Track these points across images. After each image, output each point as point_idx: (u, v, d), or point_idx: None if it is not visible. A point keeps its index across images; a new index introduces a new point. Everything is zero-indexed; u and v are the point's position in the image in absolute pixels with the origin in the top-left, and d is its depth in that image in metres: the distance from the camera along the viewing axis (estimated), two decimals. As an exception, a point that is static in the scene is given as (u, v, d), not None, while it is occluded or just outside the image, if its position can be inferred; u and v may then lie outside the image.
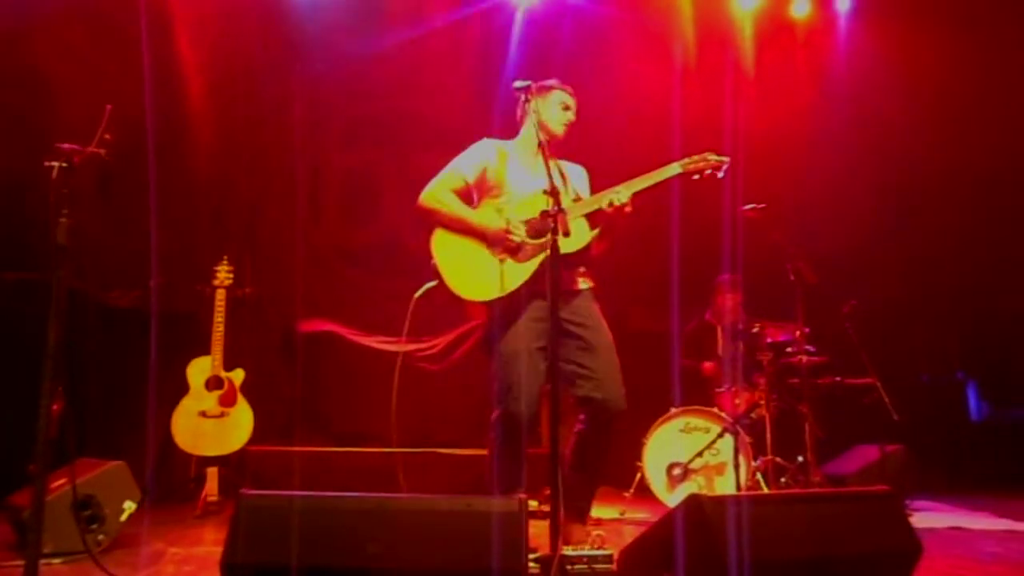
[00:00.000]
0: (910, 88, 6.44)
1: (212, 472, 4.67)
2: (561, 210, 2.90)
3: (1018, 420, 6.51)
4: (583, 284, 3.48)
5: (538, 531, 2.98)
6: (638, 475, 4.89)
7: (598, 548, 2.83)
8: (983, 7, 6.43)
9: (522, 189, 3.45)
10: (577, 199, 3.45)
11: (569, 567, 2.72)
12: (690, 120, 5.57)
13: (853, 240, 6.36)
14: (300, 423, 5.93)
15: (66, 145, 2.51)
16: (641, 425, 4.88)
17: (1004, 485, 5.82)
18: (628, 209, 3.27)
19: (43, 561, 2.46)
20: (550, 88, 3.60)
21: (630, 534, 3.69)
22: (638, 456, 4.86)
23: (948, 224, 6.60)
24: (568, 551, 2.76)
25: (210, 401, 4.75)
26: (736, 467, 4.64)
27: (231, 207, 5.96)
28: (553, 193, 2.89)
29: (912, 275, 6.60)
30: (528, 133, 3.57)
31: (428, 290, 3.41)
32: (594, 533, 3.16)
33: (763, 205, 4.68)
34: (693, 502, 2.57)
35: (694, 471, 4.82)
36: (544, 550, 2.75)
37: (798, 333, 4.89)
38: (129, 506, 3.59)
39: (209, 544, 3.80)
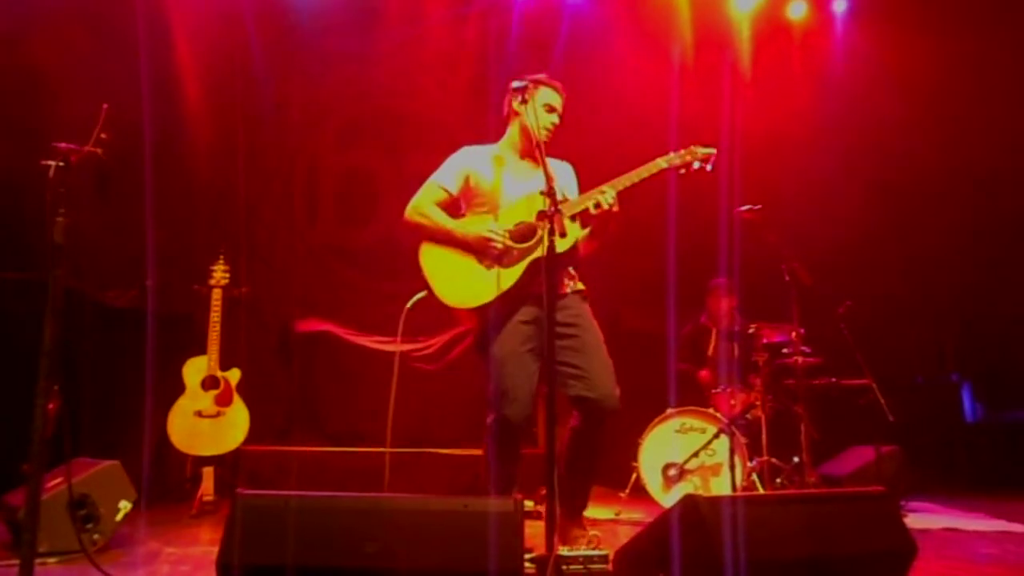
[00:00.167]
0: (906, 89, 6.46)
1: (208, 472, 4.67)
2: (558, 211, 2.90)
3: (1012, 421, 6.52)
4: (571, 287, 3.48)
5: (534, 531, 2.99)
6: (634, 475, 4.89)
7: (594, 548, 2.84)
8: (977, 9, 6.46)
9: (509, 194, 3.45)
10: (563, 200, 3.39)
11: (565, 567, 2.72)
12: (687, 121, 5.57)
13: (848, 241, 6.38)
14: (296, 423, 5.93)
15: (63, 144, 2.50)
16: (637, 426, 4.89)
17: (998, 486, 5.84)
18: (615, 208, 3.25)
19: (38, 561, 2.46)
20: (536, 84, 3.48)
21: (626, 534, 3.69)
22: (634, 456, 4.86)
23: (943, 225, 6.62)
24: (564, 551, 2.76)
25: (206, 401, 4.75)
26: (732, 468, 4.65)
27: (228, 207, 5.96)
28: (550, 194, 2.90)
29: (907, 276, 6.62)
30: (512, 135, 3.57)
31: (418, 300, 3.44)
32: (590, 533, 3.16)
33: (759, 206, 4.70)
34: (689, 502, 2.57)
35: (690, 471, 4.82)
36: (540, 550, 2.76)
37: (794, 334, 4.90)
38: (125, 505, 3.59)
39: (205, 544, 3.79)
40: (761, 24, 6.71)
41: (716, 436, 4.77)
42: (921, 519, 4.66)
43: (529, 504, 4.26)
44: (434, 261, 3.41)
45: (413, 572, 2.39)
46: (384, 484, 4.03)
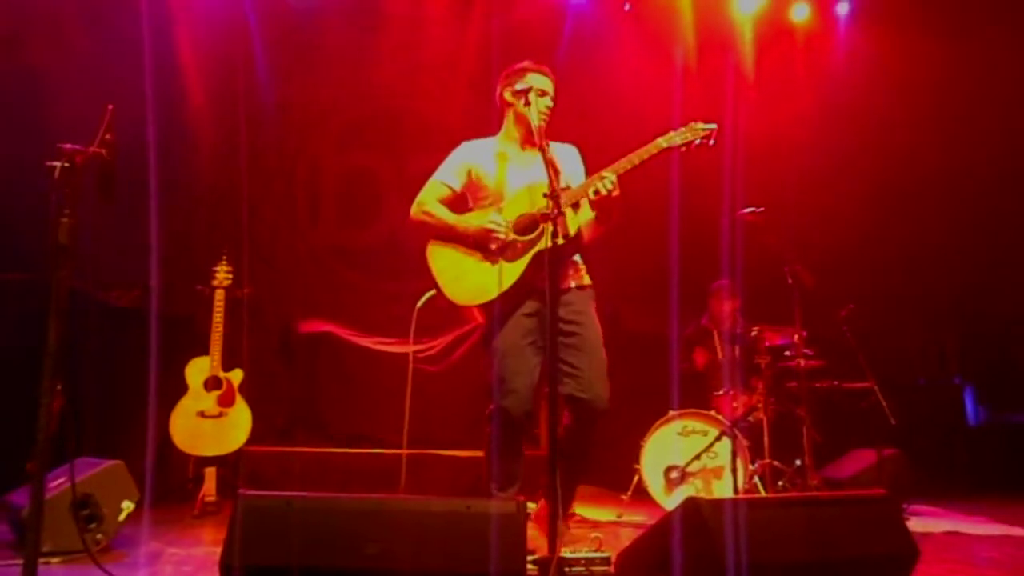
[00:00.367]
0: (908, 92, 6.47)
1: (210, 472, 4.67)
2: (560, 213, 2.90)
3: (1015, 424, 6.52)
4: (575, 282, 3.47)
5: (534, 532, 2.99)
6: (636, 478, 4.89)
7: (596, 551, 2.84)
8: (979, 13, 6.46)
9: (512, 185, 3.45)
10: (566, 188, 3.35)
11: (567, 569, 2.73)
12: (688, 122, 5.56)
13: (851, 244, 6.39)
14: (298, 424, 5.94)
15: (68, 145, 2.51)
16: (639, 428, 4.89)
17: (1001, 490, 5.83)
18: (616, 193, 3.19)
19: (41, 560, 2.45)
20: (523, 72, 3.48)
21: (627, 536, 3.69)
22: (636, 459, 4.86)
23: (945, 228, 6.62)
24: (566, 553, 2.77)
25: (208, 401, 4.75)
26: (734, 470, 4.65)
27: (230, 208, 5.97)
28: (553, 197, 2.89)
29: (910, 279, 6.61)
30: (509, 125, 3.57)
31: (428, 300, 3.45)
32: (592, 535, 3.16)
33: (761, 209, 4.70)
34: (691, 505, 2.57)
35: (692, 474, 4.82)
36: (541, 552, 2.76)
37: (796, 337, 4.90)
38: (127, 506, 3.59)
39: (207, 544, 3.79)
40: (764, 26, 6.71)
41: (718, 439, 4.77)
42: (923, 522, 4.65)
43: (532, 506, 4.26)
44: (441, 261, 3.42)
45: (415, 573, 2.40)
46: (400, 485, 4.04)
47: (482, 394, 3.58)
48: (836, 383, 5.19)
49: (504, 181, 3.47)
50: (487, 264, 3.35)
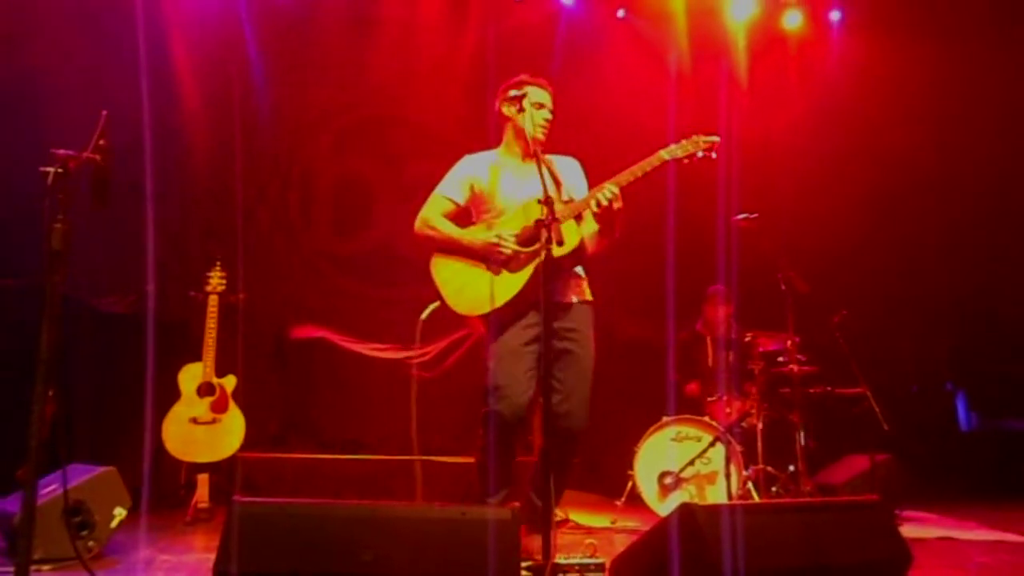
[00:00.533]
0: (901, 98, 6.50)
1: (203, 479, 4.65)
2: (555, 219, 2.90)
3: (1007, 430, 6.54)
4: (577, 296, 3.48)
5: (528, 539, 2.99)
6: (629, 484, 4.89)
7: (590, 557, 2.84)
8: (972, 18, 6.49)
9: (512, 199, 3.46)
10: (569, 200, 3.40)
11: (561, 575, 2.73)
12: (684, 130, 5.57)
13: (844, 250, 6.40)
14: (292, 430, 5.92)
15: (62, 151, 2.50)
16: (633, 434, 4.89)
17: (993, 495, 5.85)
18: (618, 205, 3.21)
19: (33, 567, 2.44)
20: (520, 84, 3.48)
21: (621, 543, 3.69)
22: (630, 465, 4.86)
23: (938, 234, 6.64)
24: (560, 559, 2.77)
25: (201, 407, 4.74)
26: (727, 476, 4.65)
27: (224, 213, 5.95)
28: (547, 203, 2.90)
29: (903, 285, 6.63)
30: (509, 139, 3.59)
31: (433, 311, 3.48)
32: (586, 541, 3.16)
33: (755, 215, 4.72)
34: (686, 511, 2.58)
35: (685, 480, 4.82)
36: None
37: (789, 343, 4.91)
38: (120, 512, 3.57)
39: (200, 551, 3.78)
40: (757, 33, 6.74)
41: (712, 444, 4.78)
42: (916, 528, 4.66)
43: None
44: (445, 272, 3.45)
45: (410, 580, 2.39)
46: (417, 493, 4.04)
47: (475, 400, 3.58)
48: (829, 389, 5.20)
49: (505, 193, 3.49)
50: (490, 275, 3.38)
